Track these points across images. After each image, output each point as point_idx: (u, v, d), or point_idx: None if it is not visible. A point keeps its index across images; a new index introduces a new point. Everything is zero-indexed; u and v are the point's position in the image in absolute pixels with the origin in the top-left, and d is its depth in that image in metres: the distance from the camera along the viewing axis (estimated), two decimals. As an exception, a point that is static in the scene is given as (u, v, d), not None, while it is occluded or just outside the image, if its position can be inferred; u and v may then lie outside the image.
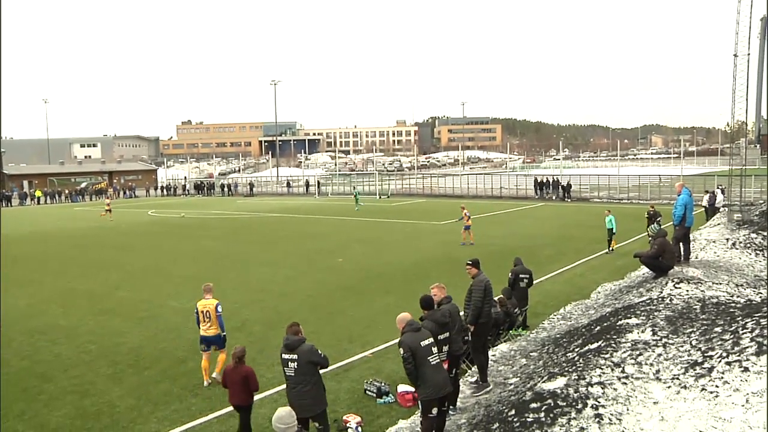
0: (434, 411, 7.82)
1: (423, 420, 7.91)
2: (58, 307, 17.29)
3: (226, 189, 76.15)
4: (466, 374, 10.81)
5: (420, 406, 8.01)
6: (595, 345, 9.37)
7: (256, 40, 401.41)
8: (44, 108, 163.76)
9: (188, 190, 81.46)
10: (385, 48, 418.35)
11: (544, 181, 55.04)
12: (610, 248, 23.90)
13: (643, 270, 17.00)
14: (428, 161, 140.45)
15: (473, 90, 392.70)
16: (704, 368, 7.48)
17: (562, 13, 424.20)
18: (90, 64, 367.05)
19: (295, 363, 7.61)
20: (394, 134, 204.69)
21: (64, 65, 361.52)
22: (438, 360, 7.90)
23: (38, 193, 72.57)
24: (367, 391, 10.26)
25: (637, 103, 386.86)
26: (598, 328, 10.73)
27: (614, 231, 24.01)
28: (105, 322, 15.58)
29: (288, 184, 77.31)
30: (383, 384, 10.25)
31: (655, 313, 10.23)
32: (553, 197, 52.46)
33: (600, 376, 7.82)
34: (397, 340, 12.91)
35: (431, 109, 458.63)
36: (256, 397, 8.86)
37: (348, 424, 9.01)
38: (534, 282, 15.12)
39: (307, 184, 73.43)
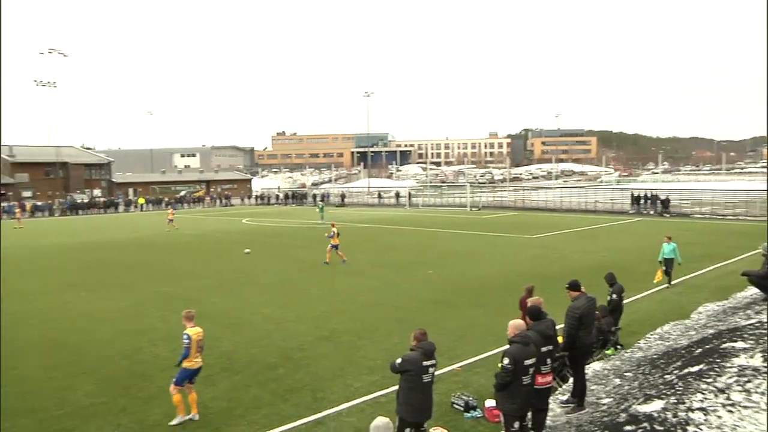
0: (516, 425, 7.79)
1: None
2: (155, 310, 18.03)
3: (318, 199, 77.48)
4: (556, 392, 10.49)
5: (503, 420, 7.97)
6: (696, 368, 8.87)
7: (349, 54, 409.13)
8: (149, 120, 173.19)
9: (282, 200, 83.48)
10: (478, 59, 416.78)
11: (641, 195, 52.99)
12: (669, 282, 20.00)
13: (751, 291, 16.04)
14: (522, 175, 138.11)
15: (567, 101, 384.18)
16: (821, 399, 6.93)
17: (661, 19, 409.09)
18: (191, 79, 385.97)
19: (434, 368, 7.81)
20: (486, 146, 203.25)
21: (167, 80, 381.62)
22: (530, 381, 7.80)
23: (141, 201, 76.39)
24: (454, 405, 10.13)
25: (745, 113, 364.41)
26: (700, 350, 10.16)
27: (679, 262, 20.22)
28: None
29: (379, 195, 77.89)
30: (471, 398, 10.09)
31: (766, 338, 9.59)
32: (651, 212, 50.41)
33: (702, 401, 7.38)
34: (486, 354, 12.86)
35: (524, 120, 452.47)
36: (343, 406, 10.38)
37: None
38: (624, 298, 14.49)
39: (398, 195, 73.86)
